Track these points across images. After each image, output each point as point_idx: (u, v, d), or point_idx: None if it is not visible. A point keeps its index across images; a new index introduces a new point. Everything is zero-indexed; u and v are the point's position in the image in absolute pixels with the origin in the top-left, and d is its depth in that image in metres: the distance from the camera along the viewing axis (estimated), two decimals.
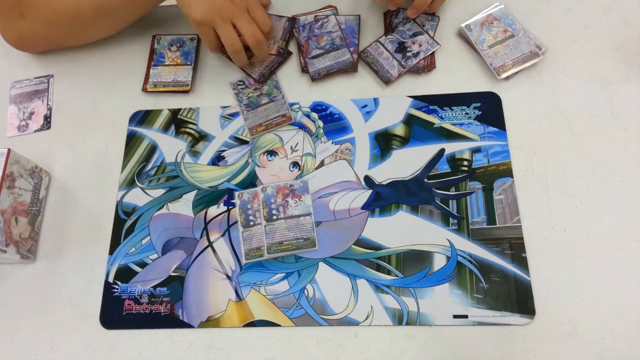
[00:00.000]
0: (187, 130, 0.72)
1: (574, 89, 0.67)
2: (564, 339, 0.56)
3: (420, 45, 0.71)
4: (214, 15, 0.64)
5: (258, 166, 0.68)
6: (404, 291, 0.59)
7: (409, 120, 0.68)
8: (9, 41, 0.75)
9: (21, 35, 0.75)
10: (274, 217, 0.64)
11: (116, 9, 0.71)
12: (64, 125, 0.75)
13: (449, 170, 0.65)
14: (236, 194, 0.66)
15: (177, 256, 0.64)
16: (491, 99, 0.68)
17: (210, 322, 0.61)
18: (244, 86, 0.73)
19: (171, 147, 0.71)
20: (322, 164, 0.67)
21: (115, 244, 0.66)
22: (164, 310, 0.62)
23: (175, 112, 0.73)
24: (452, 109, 0.68)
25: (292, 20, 0.76)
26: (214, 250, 0.64)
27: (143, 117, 0.73)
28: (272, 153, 0.69)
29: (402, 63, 0.71)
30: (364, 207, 0.64)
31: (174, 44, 0.77)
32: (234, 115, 0.72)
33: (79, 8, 0.70)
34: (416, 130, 0.68)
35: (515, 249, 0.60)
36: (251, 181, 0.67)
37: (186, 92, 0.74)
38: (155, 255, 0.65)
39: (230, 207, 0.66)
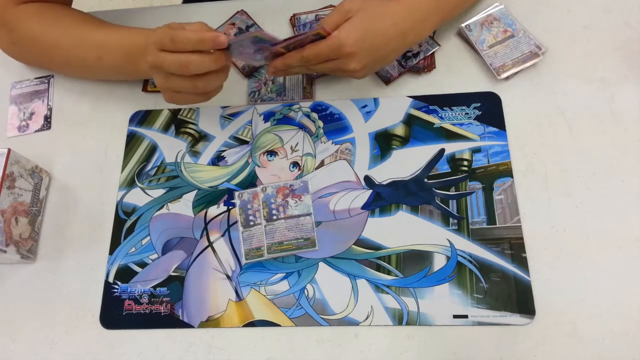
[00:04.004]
0: (187, 130, 0.72)
1: (574, 89, 0.67)
2: (564, 339, 0.56)
3: (420, 46, 0.71)
4: (158, 73, 0.59)
5: (258, 166, 0.68)
6: (404, 291, 0.59)
7: (409, 120, 0.68)
8: (7, 54, 0.76)
9: (15, 57, 0.76)
10: (274, 217, 0.64)
11: (105, 74, 0.73)
12: (64, 126, 0.75)
13: (449, 170, 0.65)
14: (236, 194, 0.66)
15: (177, 256, 0.64)
16: (491, 99, 0.68)
17: (210, 322, 0.61)
18: (258, 93, 0.72)
19: (171, 147, 0.71)
20: (322, 164, 0.67)
21: (115, 244, 0.66)
22: (164, 310, 0.62)
23: (175, 112, 0.73)
24: (452, 109, 0.68)
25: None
26: (214, 250, 0.64)
27: (143, 117, 0.74)
28: (272, 153, 0.69)
29: (402, 63, 0.71)
30: (364, 207, 0.64)
31: None
32: (234, 115, 0.72)
33: (68, 62, 0.71)
34: (416, 130, 0.68)
35: (515, 249, 0.60)
36: (251, 181, 0.67)
37: None
38: (155, 255, 0.65)
39: (230, 207, 0.66)
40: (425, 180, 0.65)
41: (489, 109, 0.67)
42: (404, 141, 0.67)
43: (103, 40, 0.67)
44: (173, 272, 0.64)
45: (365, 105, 0.70)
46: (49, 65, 0.76)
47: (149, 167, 0.70)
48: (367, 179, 0.65)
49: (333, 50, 0.59)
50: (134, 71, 0.66)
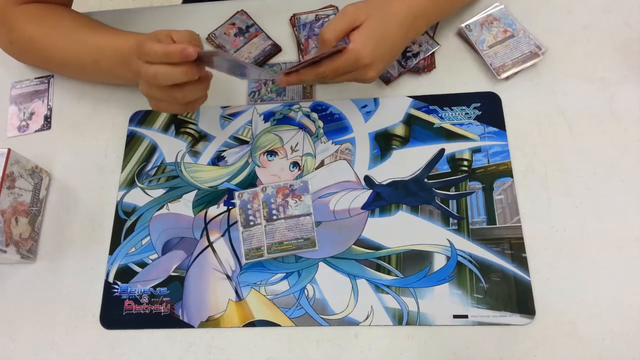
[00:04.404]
0: (187, 130, 0.72)
1: (574, 89, 0.67)
2: (564, 339, 0.56)
3: (420, 46, 0.71)
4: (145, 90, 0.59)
5: (258, 166, 0.68)
6: (404, 291, 0.59)
7: (409, 120, 0.68)
8: (5, 52, 0.76)
9: (13, 55, 0.76)
10: (274, 217, 0.64)
11: (102, 78, 0.73)
12: (64, 126, 0.75)
13: (449, 170, 0.65)
14: (236, 194, 0.66)
15: (177, 256, 0.64)
16: (491, 99, 0.68)
17: (210, 322, 0.61)
18: (258, 93, 0.72)
19: (171, 147, 0.71)
20: (322, 164, 0.67)
21: (115, 244, 0.66)
22: (164, 310, 0.62)
23: None
24: (452, 109, 0.68)
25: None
26: (214, 250, 0.64)
27: (143, 117, 0.74)
28: (272, 153, 0.69)
29: (402, 63, 0.71)
30: (364, 207, 0.64)
31: None
32: (234, 115, 0.72)
33: (66, 64, 0.71)
34: (416, 130, 0.68)
35: (515, 249, 0.60)
36: (251, 181, 0.67)
37: None
38: (155, 255, 0.65)
39: (230, 207, 0.66)
40: (425, 180, 0.65)
41: (489, 109, 0.67)
42: (404, 141, 0.67)
43: (100, 43, 0.67)
44: (173, 272, 0.64)
45: (365, 105, 0.70)
46: (47, 65, 0.76)
47: (149, 167, 0.70)
48: (367, 179, 0.65)
49: (351, 64, 0.59)
50: (132, 75, 0.66)
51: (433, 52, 0.71)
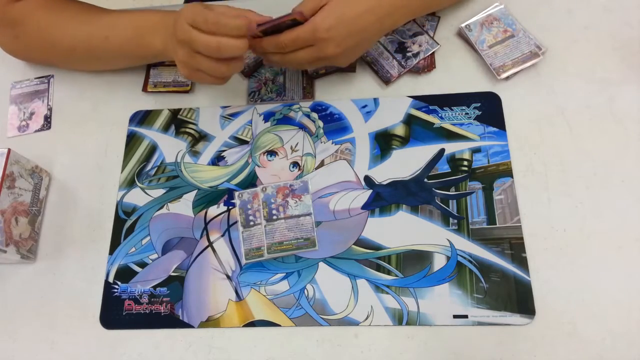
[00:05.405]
0: (187, 130, 0.72)
1: (574, 89, 0.67)
2: (564, 339, 0.56)
3: (420, 46, 0.71)
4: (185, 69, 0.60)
5: (258, 166, 0.68)
6: (404, 291, 0.59)
7: (409, 120, 0.68)
8: (6, 52, 0.76)
9: (16, 52, 0.76)
10: (274, 217, 0.64)
11: (110, 58, 0.72)
12: (64, 126, 0.75)
13: (449, 170, 0.65)
14: (236, 194, 0.66)
15: (177, 256, 0.64)
16: (491, 99, 0.68)
17: (210, 322, 0.61)
18: (258, 93, 0.72)
19: (171, 147, 0.71)
20: (322, 164, 0.67)
21: (115, 244, 0.66)
22: (164, 310, 0.62)
23: (175, 112, 0.73)
24: (452, 109, 0.68)
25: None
26: (214, 250, 0.64)
27: (143, 117, 0.74)
28: (272, 153, 0.69)
29: (402, 63, 0.71)
30: (364, 207, 0.64)
31: None
32: (234, 115, 0.72)
33: (73, 47, 0.71)
34: (416, 130, 0.68)
35: (515, 249, 0.60)
36: (251, 181, 0.67)
37: (186, 92, 0.74)
38: (155, 255, 0.65)
39: (230, 207, 0.66)
40: (425, 180, 0.65)
41: (489, 109, 0.67)
42: (404, 141, 0.67)
43: (111, 19, 0.68)
44: (173, 272, 0.64)
45: (365, 105, 0.70)
46: (52, 56, 0.74)
47: (149, 167, 0.70)
48: (367, 179, 0.65)
49: (308, 36, 0.59)
50: (143, 50, 0.66)
51: (433, 52, 0.71)
